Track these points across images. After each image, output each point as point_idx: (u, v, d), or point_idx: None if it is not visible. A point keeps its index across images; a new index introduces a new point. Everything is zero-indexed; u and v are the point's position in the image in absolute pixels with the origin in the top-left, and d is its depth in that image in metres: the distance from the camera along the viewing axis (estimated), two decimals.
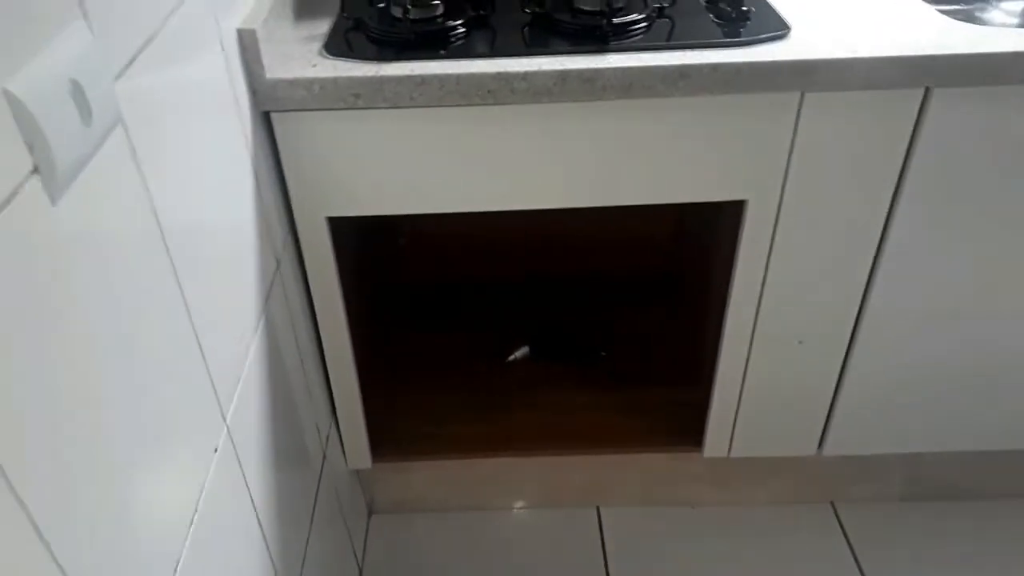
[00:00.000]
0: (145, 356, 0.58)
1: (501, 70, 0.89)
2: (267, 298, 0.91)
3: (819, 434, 1.25)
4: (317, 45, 0.97)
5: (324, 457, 1.15)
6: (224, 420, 0.73)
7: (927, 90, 0.93)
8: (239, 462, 0.76)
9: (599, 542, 1.38)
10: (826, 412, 1.22)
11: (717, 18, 0.98)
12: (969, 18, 1.23)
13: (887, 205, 1.01)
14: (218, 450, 0.70)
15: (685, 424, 1.31)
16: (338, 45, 0.96)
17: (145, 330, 0.58)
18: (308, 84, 0.90)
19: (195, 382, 0.67)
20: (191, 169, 0.71)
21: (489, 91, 0.90)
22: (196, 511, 0.65)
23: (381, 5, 1.03)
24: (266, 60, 0.90)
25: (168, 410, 0.61)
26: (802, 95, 0.92)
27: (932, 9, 1.02)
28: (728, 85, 0.90)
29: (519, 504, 1.44)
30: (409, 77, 0.90)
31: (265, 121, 0.94)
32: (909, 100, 0.93)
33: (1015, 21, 1.26)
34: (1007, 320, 1.13)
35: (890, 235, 1.04)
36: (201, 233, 0.72)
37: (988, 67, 0.90)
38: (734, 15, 0.97)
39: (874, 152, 0.97)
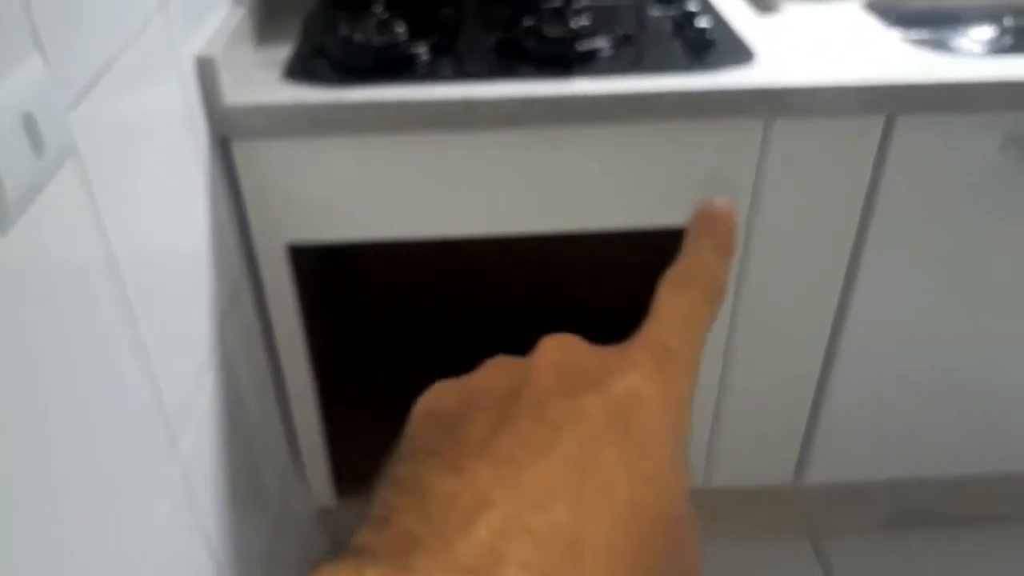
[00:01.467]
0: (94, 386, 0.59)
1: (465, 96, 0.92)
2: (224, 328, 0.92)
3: (795, 462, 1.28)
4: (278, 71, 0.99)
5: (285, 495, 1.15)
6: (176, 453, 0.74)
7: (891, 117, 0.97)
8: (192, 501, 0.77)
9: None
10: (801, 439, 1.25)
11: (683, 45, 1.02)
12: (938, 46, 1.29)
13: (855, 231, 1.05)
14: (170, 488, 0.71)
15: None
16: (299, 70, 0.98)
17: (94, 361, 0.59)
18: (268, 110, 0.92)
19: (146, 414, 0.68)
20: (146, 197, 0.72)
21: (453, 117, 0.92)
22: (144, 548, 0.65)
23: (344, 32, 1.05)
24: (226, 86, 0.91)
25: (116, 443, 0.62)
26: (767, 122, 0.96)
27: (898, 38, 1.07)
28: (694, 111, 0.93)
29: None
30: (371, 103, 0.92)
31: (224, 147, 0.96)
32: (872, 127, 0.97)
33: (981, 50, 1.32)
34: (982, 342, 1.17)
35: (862, 260, 1.08)
36: (155, 262, 0.73)
37: (949, 95, 0.94)
38: (700, 43, 1.00)
39: (840, 179, 1.01)
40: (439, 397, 0.25)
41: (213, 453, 0.85)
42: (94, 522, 0.57)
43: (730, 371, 1.17)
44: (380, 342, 1.61)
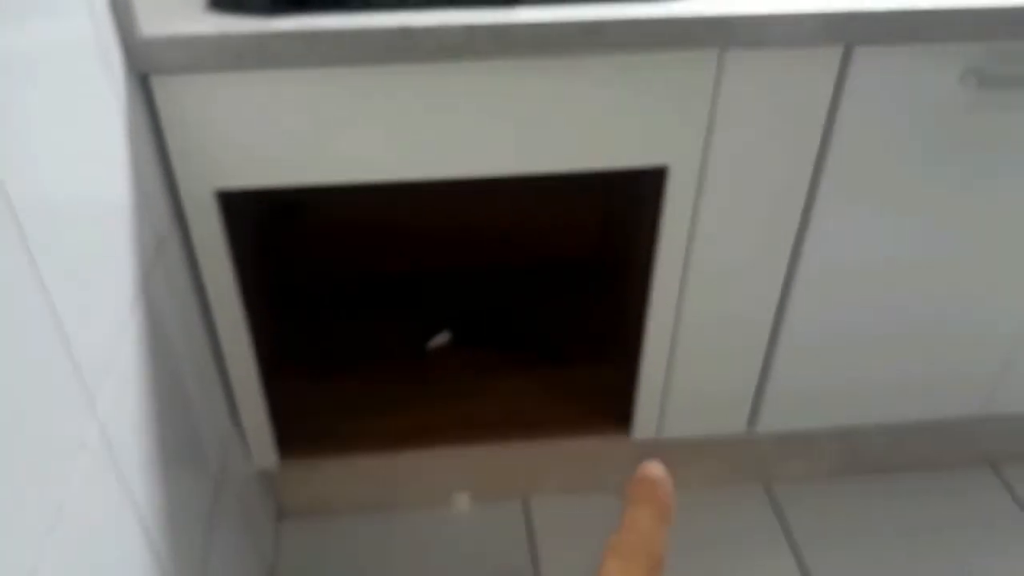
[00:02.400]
0: None
1: (403, 24, 0.87)
2: (147, 281, 0.87)
3: (748, 412, 1.28)
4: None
5: (224, 456, 1.12)
6: (94, 414, 0.69)
7: (848, 48, 0.95)
8: (114, 461, 0.73)
9: (527, 535, 1.38)
10: (754, 388, 1.25)
11: None
12: None
13: (811, 167, 1.04)
14: (86, 446, 0.67)
15: (614, 407, 1.32)
16: None
17: None
18: (188, 42, 0.86)
19: (55, 373, 0.63)
20: (50, 140, 0.67)
21: (389, 48, 0.88)
22: (59, 514, 0.61)
23: None
24: (143, 16, 0.85)
25: (19, 402, 0.57)
26: (721, 52, 0.93)
27: None
28: (645, 41, 0.90)
29: (441, 501, 1.42)
30: (302, 32, 0.87)
31: (143, 85, 0.90)
32: (829, 58, 0.95)
33: None
34: (936, 287, 1.17)
35: (817, 199, 1.06)
36: (63, 210, 0.68)
37: (908, 24, 0.93)
38: None
39: (796, 112, 0.99)
40: None
41: (140, 412, 0.81)
42: None
43: (682, 320, 1.16)
44: (327, 300, 1.57)
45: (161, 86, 0.90)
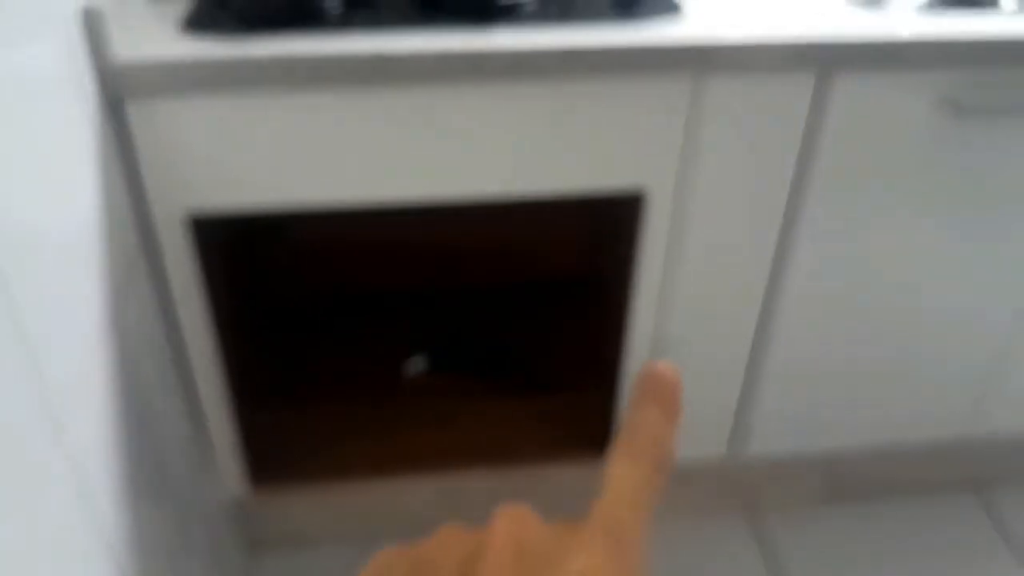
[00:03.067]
0: None
1: (378, 49, 0.88)
2: (117, 307, 0.86)
3: (729, 434, 1.28)
4: (176, 23, 0.93)
5: (193, 487, 1.10)
6: (61, 440, 0.68)
7: (823, 75, 0.96)
8: (83, 490, 0.72)
9: None
10: (735, 411, 1.26)
11: None
12: (871, 3, 1.30)
13: (787, 192, 1.05)
14: (55, 476, 0.66)
15: (593, 433, 1.32)
16: (199, 22, 0.93)
17: None
18: (163, 66, 0.87)
19: (22, 402, 0.63)
20: (22, 166, 0.67)
21: (365, 72, 0.89)
22: (29, 540, 0.60)
23: None
24: (117, 41, 0.86)
25: None
26: (696, 78, 0.95)
27: None
28: (621, 67, 0.91)
29: (419, 531, 1.41)
30: (278, 57, 0.87)
31: (116, 109, 0.90)
32: (805, 84, 0.97)
33: (917, 5, 1.34)
34: (915, 310, 1.19)
35: (796, 223, 1.08)
36: (33, 235, 0.68)
37: (882, 53, 0.95)
38: None
39: (772, 137, 1.00)
40: (386, 566, 0.26)
41: (108, 441, 0.80)
42: None
43: (661, 344, 1.16)
44: (303, 324, 1.56)
45: (135, 110, 0.90)
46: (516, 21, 0.93)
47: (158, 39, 0.90)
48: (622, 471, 0.26)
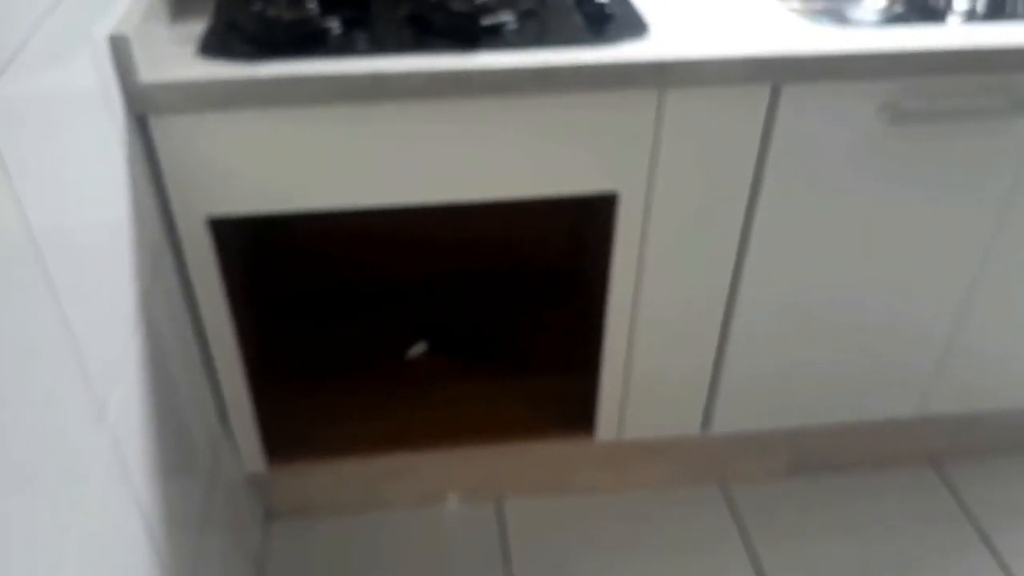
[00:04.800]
0: (15, 358, 0.63)
1: (374, 70, 0.98)
2: (147, 300, 0.96)
3: (702, 415, 1.38)
4: (192, 47, 1.03)
5: (215, 462, 1.21)
6: (104, 423, 0.79)
7: (776, 87, 1.06)
8: (123, 467, 0.82)
9: (500, 533, 1.48)
10: (706, 393, 1.36)
11: (584, 19, 1.09)
12: (834, 16, 1.39)
13: (747, 192, 1.14)
14: (98, 454, 0.76)
15: (579, 411, 1.42)
16: (213, 47, 1.03)
17: (16, 335, 0.63)
18: (183, 87, 0.97)
19: (70, 386, 0.72)
20: (63, 176, 0.76)
21: (363, 90, 0.98)
22: (73, 520, 0.69)
23: (256, 8, 1.10)
24: (140, 63, 0.95)
25: (42, 418, 0.65)
26: (660, 92, 1.04)
27: (785, 9, 1.15)
28: (591, 83, 1.01)
29: (422, 501, 1.52)
30: (284, 77, 0.97)
31: (141, 124, 1.00)
32: (758, 96, 1.06)
33: (875, 19, 1.42)
34: (869, 297, 1.28)
35: (755, 221, 1.17)
36: (75, 237, 0.77)
37: (828, 66, 1.04)
38: (599, 16, 1.08)
39: (730, 145, 1.10)
40: None
41: (143, 420, 0.90)
42: (22, 497, 0.61)
43: (637, 331, 1.26)
44: (310, 311, 1.67)
45: (158, 126, 1.00)
46: (498, 43, 1.03)
47: (177, 62, 1.00)
48: None
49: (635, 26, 1.07)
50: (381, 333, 1.61)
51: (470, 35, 1.03)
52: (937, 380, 1.39)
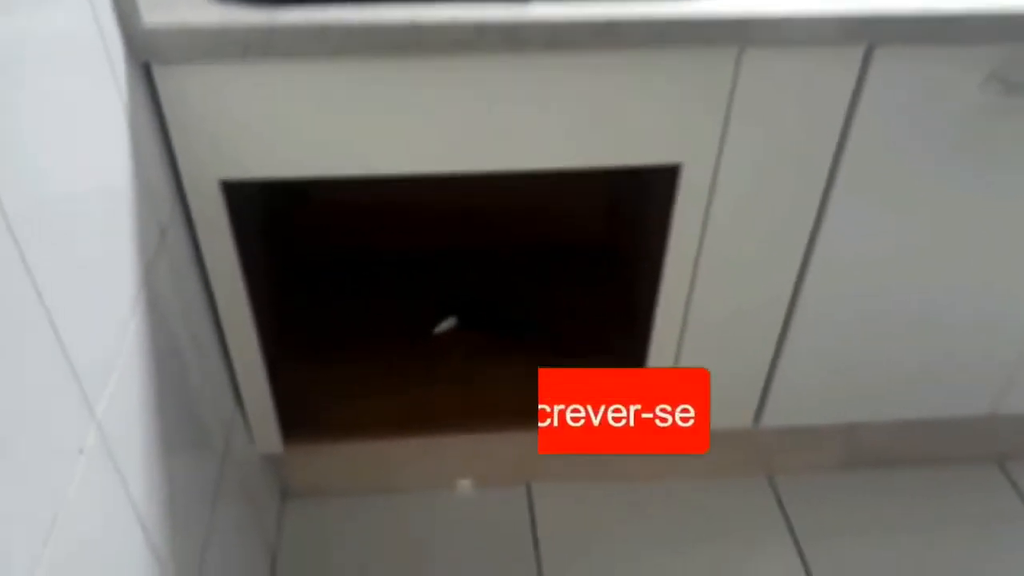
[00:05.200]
0: None
1: (413, 19, 0.85)
2: (149, 273, 0.86)
3: (755, 407, 1.27)
4: None
5: (227, 443, 1.12)
6: (92, 415, 0.69)
7: (869, 49, 0.92)
8: (114, 460, 0.73)
9: (529, 521, 1.39)
10: (762, 385, 1.24)
11: None
12: None
13: (828, 166, 1.02)
14: (84, 451, 0.67)
15: None
16: None
17: None
18: (192, 32, 0.84)
19: (49, 375, 0.63)
20: (45, 132, 0.65)
21: (399, 42, 0.86)
22: (54, 524, 0.61)
23: None
24: (143, 3, 0.83)
25: (16, 409, 0.57)
26: (740, 51, 0.91)
27: None
28: (660, 40, 0.88)
29: (443, 484, 1.43)
30: (309, 25, 0.85)
31: (145, 74, 0.88)
32: (849, 58, 0.92)
33: None
34: (949, 287, 1.16)
35: (831, 198, 1.05)
36: (59, 203, 0.67)
37: (932, 27, 0.90)
38: None
39: (814, 111, 0.97)
40: None
41: (141, 403, 0.81)
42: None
43: (691, 315, 1.15)
44: (329, 283, 1.56)
45: (164, 76, 0.88)
46: None
47: (186, 3, 0.87)
48: None
49: None
50: (405, 306, 1.50)
51: None
52: (1015, 380, 1.27)
